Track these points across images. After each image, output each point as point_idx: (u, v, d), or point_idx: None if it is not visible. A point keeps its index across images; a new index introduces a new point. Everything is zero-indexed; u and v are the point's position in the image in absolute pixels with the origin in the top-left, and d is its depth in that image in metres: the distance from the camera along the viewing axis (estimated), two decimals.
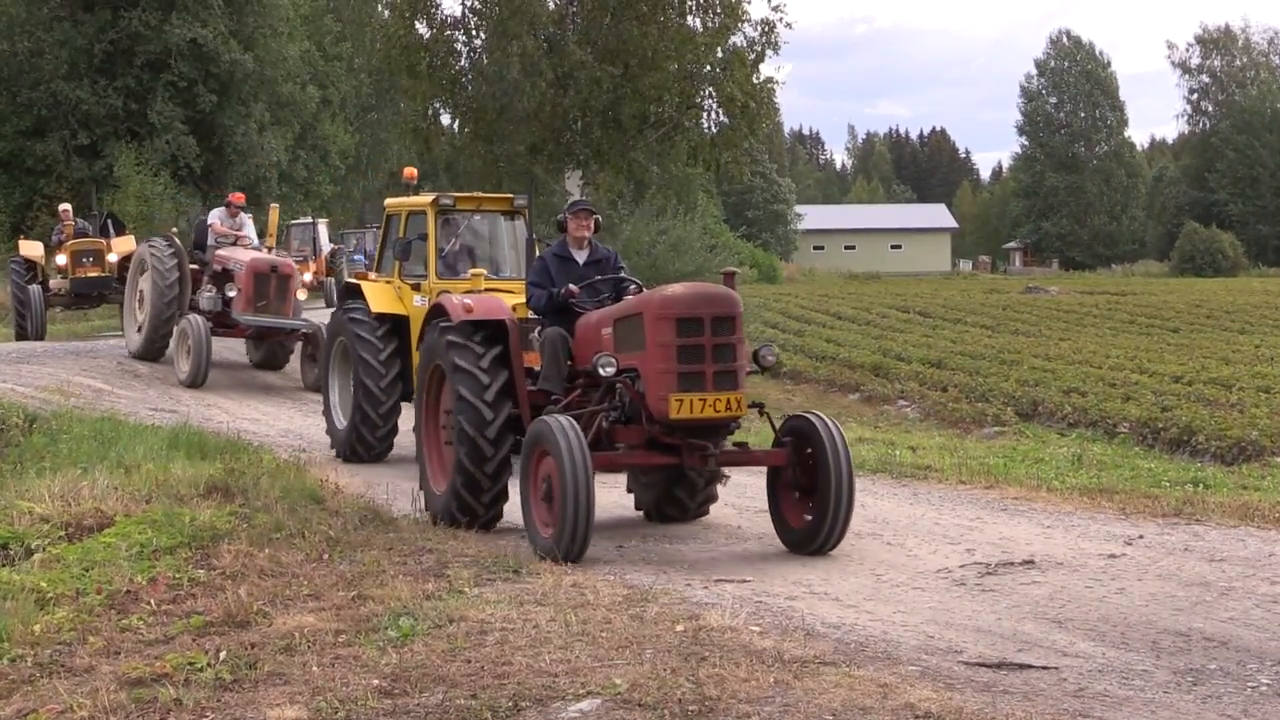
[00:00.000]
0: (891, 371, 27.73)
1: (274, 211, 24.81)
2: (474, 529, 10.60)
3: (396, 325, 15.23)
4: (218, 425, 17.13)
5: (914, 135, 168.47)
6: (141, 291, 22.23)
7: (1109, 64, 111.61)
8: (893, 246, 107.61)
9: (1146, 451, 19.32)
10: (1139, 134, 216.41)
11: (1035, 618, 8.21)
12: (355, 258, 52.63)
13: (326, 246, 40.70)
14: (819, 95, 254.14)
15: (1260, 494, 13.43)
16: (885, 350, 30.84)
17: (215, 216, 22.79)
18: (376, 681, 6.26)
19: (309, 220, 42.93)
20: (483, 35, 35.82)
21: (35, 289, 27.48)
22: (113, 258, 27.14)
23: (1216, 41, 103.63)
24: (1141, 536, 10.59)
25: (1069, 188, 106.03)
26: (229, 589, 8.05)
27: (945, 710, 5.79)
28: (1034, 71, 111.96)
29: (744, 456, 10.50)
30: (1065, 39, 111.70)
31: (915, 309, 40.82)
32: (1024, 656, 7.25)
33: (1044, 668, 7.05)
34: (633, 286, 11.21)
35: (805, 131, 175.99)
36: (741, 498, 12.22)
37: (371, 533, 9.86)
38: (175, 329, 21.26)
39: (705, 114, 36.46)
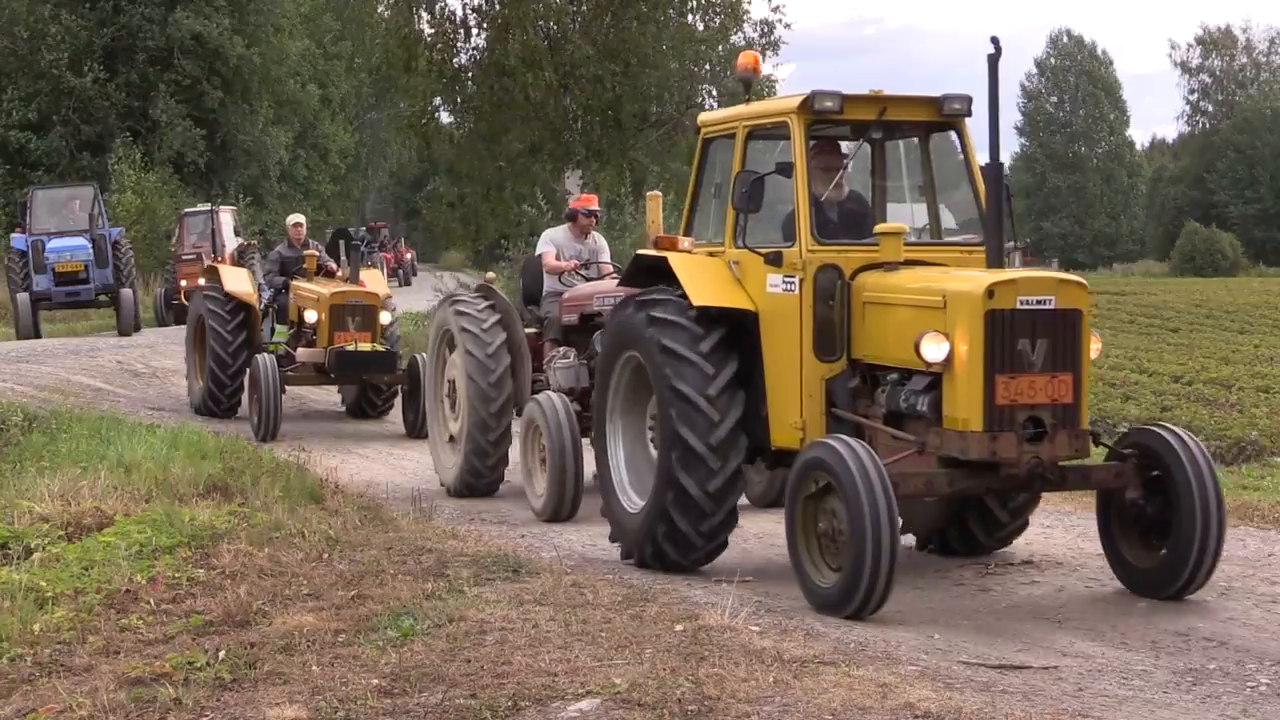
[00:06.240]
0: None
1: (655, 201, 14.07)
2: None
3: (729, 326, 9.22)
4: (217, 425, 17.13)
5: None
6: (451, 382, 13.32)
7: (1111, 63, 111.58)
8: None
9: None
10: (1140, 134, 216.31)
11: (1035, 618, 8.22)
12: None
13: (232, 241, 31.09)
14: None
15: (1260, 494, 13.41)
16: None
17: (551, 241, 13.59)
18: (376, 681, 6.26)
19: (207, 208, 34.43)
20: (484, 31, 35.83)
21: (268, 364, 16.58)
22: (385, 318, 17.67)
23: (1217, 42, 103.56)
24: None
25: (1070, 187, 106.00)
26: (229, 588, 8.04)
27: (945, 710, 5.79)
28: (1034, 71, 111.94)
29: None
30: (1066, 38, 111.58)
31: None
32: (1023, 656, 7.25)
33: (1043, 668, 7.05)
34: None
35: None
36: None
37: (371, 532, 9.85)
38: (523, 419, 12.25)
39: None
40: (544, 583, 8.09)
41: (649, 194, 12.11)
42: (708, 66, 35.91)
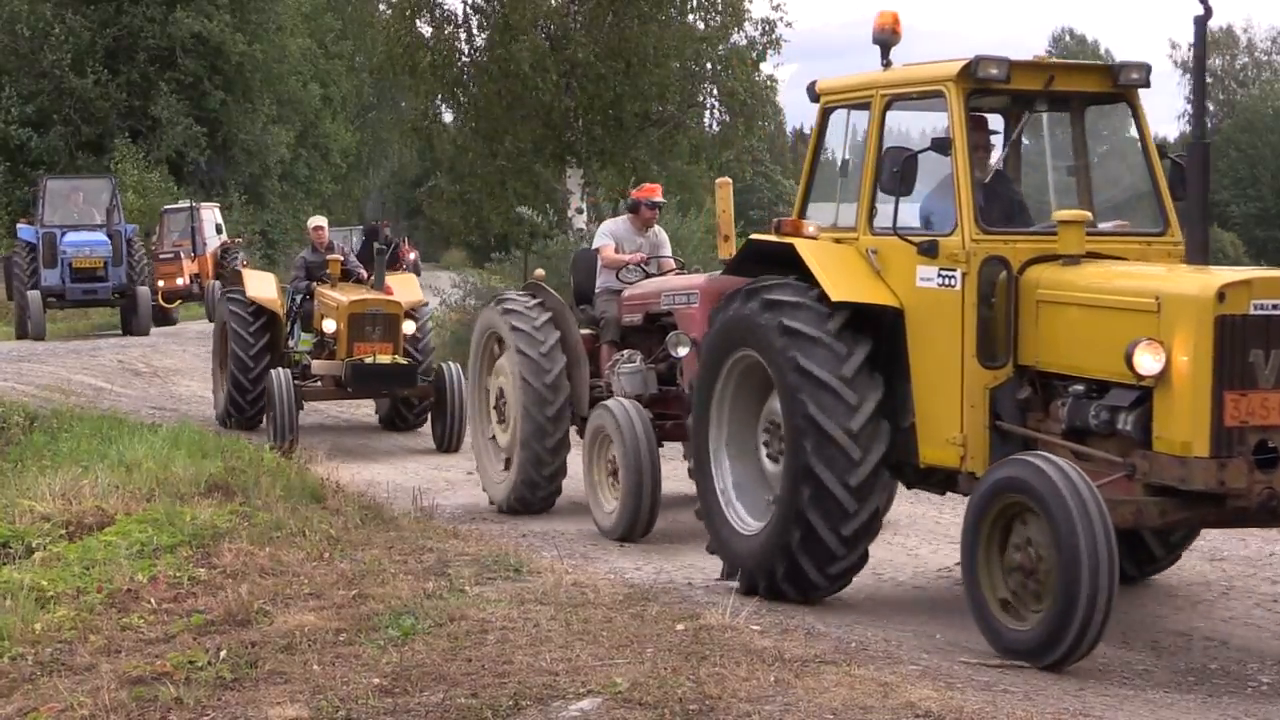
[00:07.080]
0: None
1: (725, 189, 12.03)
2: None
3: (868, 326, 8.12)
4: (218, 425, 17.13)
5: None
6: (500, 391, 12.26)
7: None
8: None
9: None
10: None
11: None
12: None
13: (214, 240, 31.02)
14: None
15: None
16: None
17: (610, 233, 12.46)
18: (377, 680, 6.26)
19: (187, 205, 33.14)
20: (484, 33, 35.85)
21: (282, 378, 15.45)
22: (409, 327, 16.19)
23: (1219, 41, 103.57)
24: None
25: None
26: (230, 587, 8.04)
27: (946, 709, 5.78)
28: None
29: None
30: (1068, 37, 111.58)
31: None
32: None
33: (1045, 667, 7.05)
34: None
35: (807, 131, 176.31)
36: None
37: (372, 531, 9.85)
38: (589, 427, 11.22)
39: (707, 112, 36.54)
40: (545, 582, 8.09)
41: (719, 181, 11.52)
42: (709, 65, 35.91)
